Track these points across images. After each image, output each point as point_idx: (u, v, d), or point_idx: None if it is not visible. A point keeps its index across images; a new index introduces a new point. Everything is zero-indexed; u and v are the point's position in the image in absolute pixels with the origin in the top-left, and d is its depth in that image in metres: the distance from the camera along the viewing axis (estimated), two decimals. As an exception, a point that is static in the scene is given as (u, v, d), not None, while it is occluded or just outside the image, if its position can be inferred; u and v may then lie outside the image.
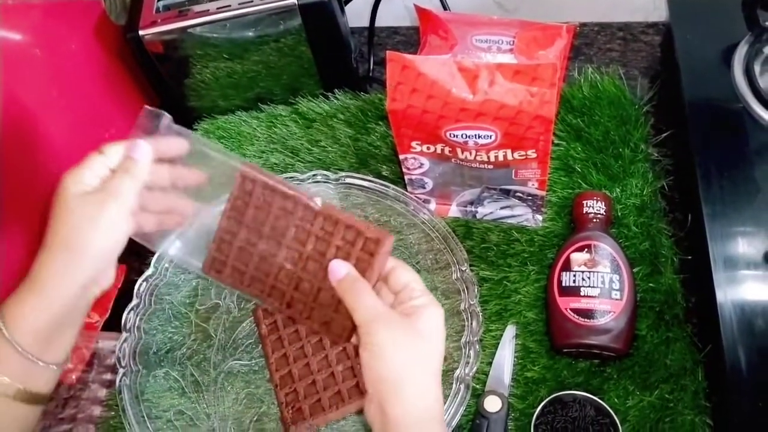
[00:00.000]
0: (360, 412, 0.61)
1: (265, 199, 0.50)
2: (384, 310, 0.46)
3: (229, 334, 0.68)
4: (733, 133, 0.64)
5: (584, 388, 0.59)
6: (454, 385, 0.60)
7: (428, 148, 0.63)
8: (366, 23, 0.91)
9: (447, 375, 0.61)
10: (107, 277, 0.53)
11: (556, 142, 0.73)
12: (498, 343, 0.63)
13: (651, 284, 0.63)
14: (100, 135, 0.77)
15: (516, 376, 0.61)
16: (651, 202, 0.68)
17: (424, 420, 0.44)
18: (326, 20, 0.75)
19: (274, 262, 0.50)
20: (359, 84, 0.86)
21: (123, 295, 0.71)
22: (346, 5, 0.82)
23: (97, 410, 0.66)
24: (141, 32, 0.74)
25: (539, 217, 0.69)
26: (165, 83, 0.82)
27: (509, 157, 0.60)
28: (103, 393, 0.67)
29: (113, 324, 0.69)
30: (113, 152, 0.52)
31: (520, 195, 0.67)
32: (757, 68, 0.66)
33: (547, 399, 0.58)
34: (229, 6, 0.74)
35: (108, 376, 0.68)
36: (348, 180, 0.74)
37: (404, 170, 0.68)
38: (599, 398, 0.58)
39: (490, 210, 0.71)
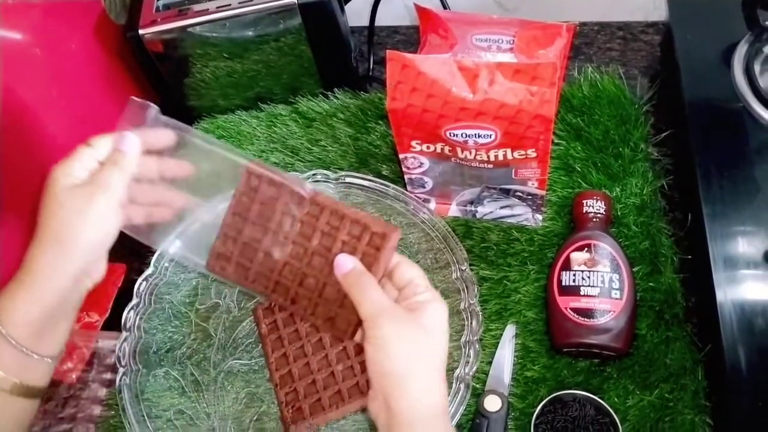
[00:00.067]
0: (361, 411, 0.61)
1: (271, 195, 0.50)
2: (390, 304, 0.46)
3: (229, 333, 0.68)
4: (733, 132, 0.64)
5: (584, 387, 0.59)
6: (454, 385, 0.60)
7: (428, 148, 0.63)
8: (366, 22, 0.91)
9: (447, 374, 0.60)
10: (98, 269, 0.53)
11: (556, 141, 0.73)
12: (498, 343, 0.63)
13: (651, 284, 0.63)
14: (100, 134, 0.77)
15: (516, 375, 0.61)
16: (651, 201, 0.68)
17: (430, 416, 0.44)
18: (326, 19, 0.75)
19: (279, 257, 0.50)
20: (359, 83, 0.86)
21: (123, 294, 0.71)
22: (346, 4, 0.82)
23: (97, 409, 0.66)
24: (141, 31, 0.74)
25: (539, 217, 0.69)
26: (165, 82, 0.82)
27: (509, 156, 0.60)
28: (103, 392, 0.67)
29: (113, 323, 0.69)
30: (101, 145, 0.52)
31: (520, 194, 0.67)
32: (757, 68, 0.66)
33: (547, 398, 0.58)
34: (229, 5, 0.73)
35: (108, 376, 0.68)
36: (348, 179, 0.74)
37: (404, 169, 0.68)
38: (599, 398, 0.58)
39: (489, 209, 0.71)
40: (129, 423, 0.62)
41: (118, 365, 0.65)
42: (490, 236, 0.69)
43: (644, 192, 0.68)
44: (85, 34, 0.77)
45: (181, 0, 0.76)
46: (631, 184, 0.69)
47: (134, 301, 0.69)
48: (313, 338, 0.64)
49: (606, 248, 0.62)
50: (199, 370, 0.66)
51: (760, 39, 0.68)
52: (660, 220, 0.67)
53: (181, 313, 0.70)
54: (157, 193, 0.55)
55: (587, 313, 0.59)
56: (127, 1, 0.77)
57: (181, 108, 0.84)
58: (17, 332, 0.49)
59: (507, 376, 0.61)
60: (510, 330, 0.63)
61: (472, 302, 0.63)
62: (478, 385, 0.61)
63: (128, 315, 0.68)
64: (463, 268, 0.66)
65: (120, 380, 0.64)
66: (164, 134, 0.54)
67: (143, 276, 0.70)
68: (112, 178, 0.51)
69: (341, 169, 0.76)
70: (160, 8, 0.76)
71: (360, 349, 0.63)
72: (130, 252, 0.76)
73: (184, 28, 0.74)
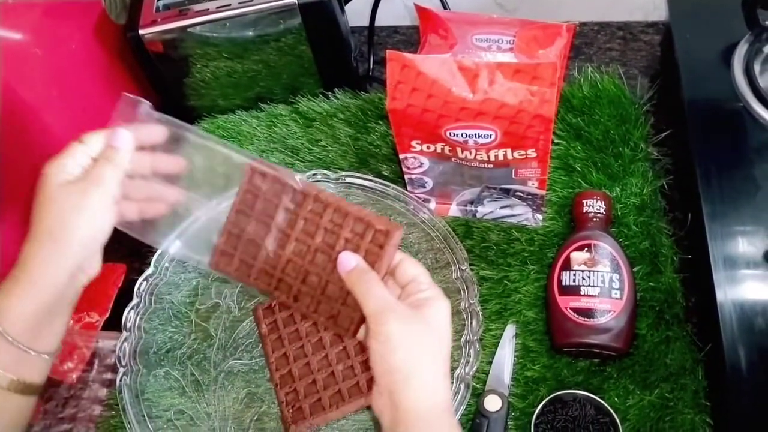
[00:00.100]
0: (361, 410, 0.61)
1: (275, 193, 0.50)
2: (394, 301, 0.46)
3: (229, 333, 0.68)
4: (732, 132, 0.64)
5: (584, 387, 0.59)
6: (454, 385, 0.60)
7: (428, 148, 0.63)
8: (366, 22, 0.91)
9: (447, 374, 0.61)
10: (93, 265, 0.53)
11: (556, 141, 0.73)
12: (498, 343, 0.63)
13: (651, 283, 0.63)
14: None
15: (516, 375, 0.61)
16: (651, 201, 0.68)
17: (436, 411, 0.44)
18: (326, 19, 0.75)
19: (282, 254, 0.50)
20: (359, 83, 0.86)
21: (123, 294, 0.71)
22: (346, 4, 0.82)
23: (97, 410, 0.66)
24: (141, 31, 0.74)
25: (539, 217, 0.69)
26: (165, 82, 0.82)
27: (509, 156, 0.60)
28: (103, 392, 0.67)
29: (113, 323, 0.69)
30: (94, 141, 0.52)
31: (520, 194, 0.67)
32: (756, 67, 0.66)
33: (547, 398, 0.58)
34: (229, 5, 0.74)
35: (108, 376, 0.68)
36: (348, 179, 0.74)
37: (404, 169, 0.68)
38: (599, 397, 0.58)
39: (490, 209, 0.71)
40: (129, 423, 0.62)
41: (118, 365, 0.65)
42: (490, 236, 0.69)
43: (644, 192, 0.68)
44: (85, 34, 0.77)
45: (181, 0, 0.76)
46: (631, 184, 0.69)
47: (134, 301, 0.69)
48: (313, 338, 0.65)
49: (606, 248, 0.62)
50: (199, 370, 0.66)
51: (760, 39, 0.68)
52: (660, 220, 0.67)
53: (182, 313, 0.70)
54: (150, 188, 0.55)
55: (587, 313, 0.59)
56: (127, 1, 0.77)
57: (181, 108, 0.84)
58: (14, 329, 0.49)
59: (507, 376, 0.61)
60: (510, 330, 0.63)
61: (472, 302, 0.63)
62: (478, 385, 0.61)
63: (128, 315, 0.68)
64: (463, 268, 0.66)
65: (120, 380, 0.64)
66: (156, 130, 0.54)
67: (143, 276, 0.70)
68: (106, 174, 0.51)
69: (341, 169, 0.76)
70: (160, 8, 0.76)
71: (360, 349, 0.63)
72: (130, 252, 0.76)
73: (184, 28, 0.74)
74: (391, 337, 0.44)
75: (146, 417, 0.63)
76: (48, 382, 0.66)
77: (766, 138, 0.63)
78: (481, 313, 0.63)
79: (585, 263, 0.61)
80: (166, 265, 0.72)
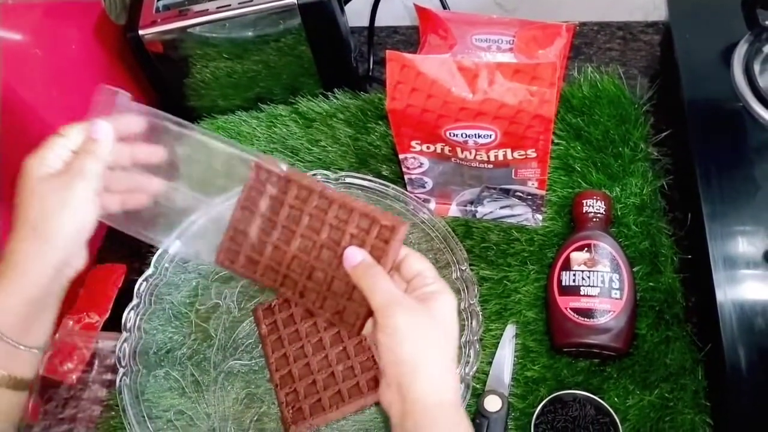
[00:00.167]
0: (363, 410, 0.61)
1: (280, 189, 0.50)
2: (400, 294, 0.46)
3: (229, 334, 0.68)
4: (732, 132, 0.64)
5: (584, 387, 0.59)
6: (454, 385, 0.60)
7: (428, 148, 0.63)
8: (366, 23, 0.91)
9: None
10: (79, 258, 0.53)
11: (555, 141, 0.73)
12: (498, 343, 0.63)
13: (651, 283, 0.63)
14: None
15: (516, 375, 0.61)
16: (651, 201, 0.68)
17: (445, 403, 0.44)
18: (326, 20, 0.75)
19: (288, 251, 0.50)
20: (359, 83, 0.86)
21: (123, 294, 0.71)
22: (345, 5, 0.82)
23: (97, 410, 0.66)
24: (141, 32, 0.74)
25: (539, 217, 0.69)
26: (165, 83, 0.82)
27: (509, 156, 0.60)
28: (103, 393, 0.67)
29: (113, 324, 0.69)
30: (74, 134, 0.52)
31: (520, 194, 0.67)
32: (756, 67, 0.66)
33: (547, 398, 0.58)
34: (229, 6, 0.74)
35: (108, 376, 0.68)
36: (348, 179, 0.74)
37: (404, 170, 0.68)
38: (599, 397, 0.58)
39: (489, 209, 0.71)
40: (129, 424, 0.62)
41: (118, 366, 0.65)
42: (490, 236, 0.69)
43: (644, 192, 0.68)
44: (85, 34, 0.77)
45: (181, 0, 0.76)
46: (631, 184, 0.69)
47: (134, 301, 0.69)
48: (313, 339, 0.65)
49: (606, 248, 0.62)
50: (199, 371, 0.66)
51: (760, 39, 0.68)
52: (660, 220, 0.67)
53: (182, 314, 0.70)
54: (131, 179, 0.55)
55: (587, 313, 0.59)
56: (127, 2, 0.77)
57: (181, 108, 0.84)
58: (2, 324, 0.49)
59: (507, 376, 0.61)
60: (510, 330, 0.63)
61: (472, 302, 0.63)
62: (478, 385, 0.61)
63: (128, 315, 0.68)
64: (463, 268, 0.66)
65: (120, 381, 0.64)
66: (135, 120, 0.53)
67: (143, 276, 0.70)
68: (88, 167, 0.50)
69: (341, 170, 0.76)
70: (160, 9, 0.76)
71: (360, 350, 0.63)
72: (130, 252, 0.76)
73: (184, 28, 0.74)
74: (398, 330, 0.44)
75: (146, 417, 0.63)
76: (48, 382, 0.67)
77: (766, 138, 0.63)
78: (481, 313, 0.63)
79: (585, 263, 0.61)
80: (166, 265, 0.72)
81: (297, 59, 0.80)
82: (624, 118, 0.73)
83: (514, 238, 0.69)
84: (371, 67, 0.91)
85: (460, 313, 0.63)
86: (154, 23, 0.74)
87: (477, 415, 0.58)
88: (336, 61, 0.82)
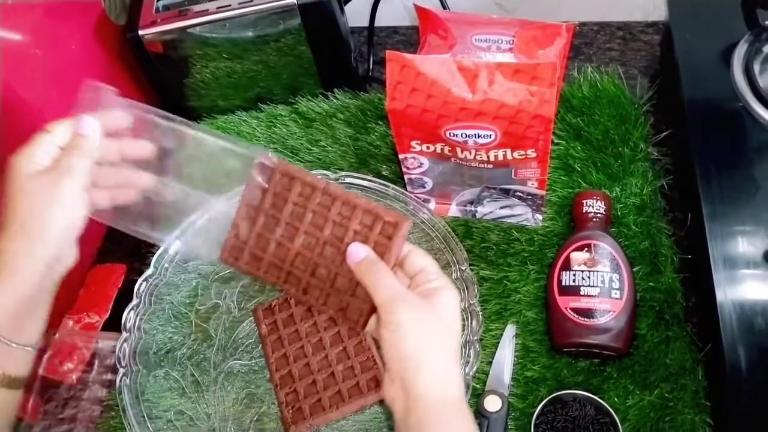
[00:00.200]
0: (363, 410, 0.61)
1: (284, 186, 0.50)
2: (404, 290, 0.47)
3: (229, 334, 0.68)
4: (732, 132, 0.64)
5: (584, 387, 0.59)
6: (454, 385, 0.60)
7: (428, 148, 0.63)
8: (366, 23, 0.91)
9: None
10: (69, 255, 0.53)
11: (555, 141, 0.73)
12: (498, 343, 0.63)
13: (651, 283, 0.63)
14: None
15: (516, 375, 0.61)
16: (651, 201, 0.68)
17: (448, 399, 0.45)
18: (326, 20, 0.75)
19: (291, 248, 0.50)
20: (359, 83, 0.86)
21: (123, 295, 0.71)
22: (345, 5, 0.82)
23: (97, 410, 0.66)
24: (141, 32, 0.74)
25: (539, 217, 0.69)
26: (165, 83, 0.82)
27: (509, 156, 0.60)
28: (103, 393, 0.67)
29: (113, 324, 0.69)
30: (61, 130, 0.52)
31: (520, 194, 0.67)
32: (756, 67, 0.66)
33: (547, 398, 0.58)
34: (229, 6, 0.74)
35: (108, 377, 0.68)
36: (348, 179, 0.74)
37: (404, 170, 0.68)
38: (599, 397, 0.58)
39: (489, 209, 0.71)
40: (129, 424, 0.62)
41: (118, 366, 0.65)
42: (490, 236, 0.69)
43: (644, 192, 0.68)
44: (85, 34, 0.77)
45: (181, 1, 0.76)
46: (631, 184, 0.69)
47: (134, 301, 0.69)
48: (313, 339, 0.65)
49: (606, 248, 0.62)
50: (199, 371, 0.66)
51: (760, 39, 0.68)
52: (660, 220, 0.67)
53: (182, 314, 0.70)
54: (119, 175, 0.55)
55: (587, 313, 0.59)
56: (127, 2, 0.77)
57: (181, 108, 0.84)
58: None
59: (507, 376, 0.61)
60: (510, 330, 0.63)
61: (472, 302, 0.63)
62: (478, 385, 0.61)
63: (128, 316, 0.68)
64: (463, 268, 0.66)
65: (120, 381, 0.64)
66: (122, 115, 0.53)
67: (143, 276, 0.70)
68: (75, 163, 0.50)
69: (341, 170, 0.76)
70: (160, 9, 0.76)
71: (360, 350, 0.63)
72: (130, 252, 0.76)
73: (183, 28, 0.74)
74: (402, 326, 0.44)
75: (146, 418, 0.63)
76: (48, 382, 0.67)
77: (765, 138, 0.63)
78: (481, 313, 0.63)
79: (585, 263, 0.61)
80: (166, 265, 0.72)
81: (297, 59, 0.80)
82: (624, 118, 0.73)
83: (514, 238, 0.69)
84: (371, 67, 0.91)
85: (460, 312, 0.63)
86: (154, 23, 0.74)
87: (477, 415, 0.58)
88: (336, 61, 0.82)
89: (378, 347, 0.64)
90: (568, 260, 0.62)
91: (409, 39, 0.94)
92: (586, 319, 0.59)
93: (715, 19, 0.71)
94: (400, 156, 0.66)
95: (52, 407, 0.66)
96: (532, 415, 0.58)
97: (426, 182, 0.69)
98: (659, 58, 0.84)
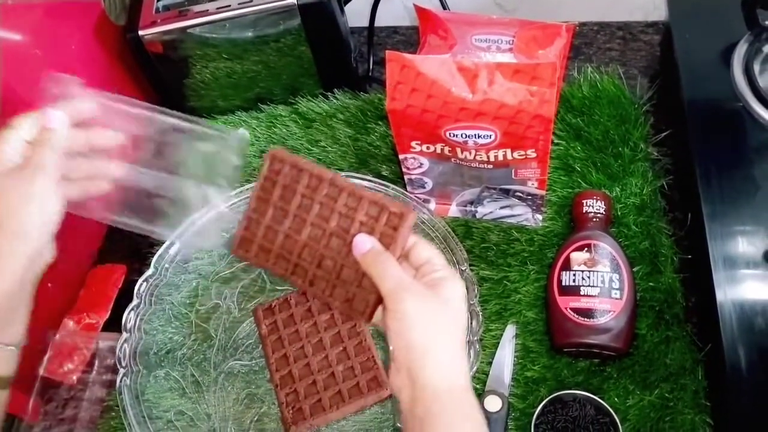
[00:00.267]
0: (363, 410, 0.61)
1: (293, 179, 0.51)
2: (410, 280, 0.47)
3: (229, 334, 0.68)
4: (732, 132, 0.64)
5: (584, 387, 0.59)
6: (454, 385, 0.60)
7: (428, 148, 0.63)
8: (366, 23, 0.91)
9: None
10: (48, 250, 0.53)
11: (555, 141, 0.73)
12: (498, 343, 0.63)
13: (651, 283, 0.63)
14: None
15: (516, 375, 0.61)
16: (651, 201, 0.68)
17: (455, 388, 0.44)
18: (326, 20, 0.75)
19: (299, 239, 0.51)
20: (359, 84, 0.86)
21: (123, 295, 0.71)
22: (345, 5, 0.82)
23: (97, 411, 0.66)
24: (141, 32, 0.74)
25: (539, 217, 0.69)
26: (165, 83, 0.82)
27: (509, 156, 0.60)
28: (103, 393, 0.67)
29: (113, 324, 0.69)
30: (26, 124, 0.51)
31: (520, 194, 0.67)
32: (756, 67, 0.66)
33: (548, 398, 0.58)
34: (229, 6, 0.74)
35: (108, 377, 0.68)
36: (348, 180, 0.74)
37: (404, 170, 0.68)
38: (599, 397, 0.58)
39: (489, 209, 0.71)
40: (129, 424, 0.62)
41: (118, 366, 0.65)
42: (490, 236, 0.69)
43: (644, 192, 0.68)
44: (85, 34, 0.77)
45: (181, 1, 0.76)
46: (631, 184, 0.69)
47: (134, 302, 0.69)
48: (313, 339, 0.65)
49: (606, 248, 0.62)
50: (199, 371, 0.66)
51: (760, 39, 0.68)
52: (660, 220, 0.67)
53: (182, 314, 0.70)
54: (90, 166, 0.54)
55: (587, 313, 0.59)
56: (127, 2, 0.77)
57: (181, 109, 0.84)
58: None
59: (507, 376, 0.61)
60: (510, 330, 0.63)
61: (472, 302, 0.63)
62: (478, 386, 0.61)
63: (128, 316, 0.68)
64: (463, 268, 0.66)
65: (120, 381, 0.64)
66: (87, 106, 0.53)
67: (143, 277, 0.70)
68: (47, 159, 0.50)
69: (341, 170, 0.76)
70: (160, 9, 0.76)
71: (360, 350, 0.63)
72: (130, 253, 0.76)
73: (183, 29, 0.74)
74: (408, 315, 0.44)
75: (146, 418, 0.63)
76: (48, 383, 0.67)
77: (765, 138, 0.63)
78: (481, 313, 0.63)
79: (585, 263, 0.61)
80: (166, 266, 0.72)
81: (297, 59, 0.80)
82: (624, 118, 0.73)
83: (514, 238, 0.69)
84: (371, 67, 0.91)
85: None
86: (153, 24, 0.74)
87: (477, 415, 0.58)
88: (336, 61, 0.81)
89: (378, 347, 0.64)
90: (568, 260, 0.62)
91: (409, 39, 0.94)
92: (586, 319, 0.59)
93: (715, 19, 0.71)
94: (400, 156, 0.66)
95: (53, 408, 0.67)
96: (532, 416, 0.58)
97: (426, 182, 0.69)
98: (659, 58, 0.84)
